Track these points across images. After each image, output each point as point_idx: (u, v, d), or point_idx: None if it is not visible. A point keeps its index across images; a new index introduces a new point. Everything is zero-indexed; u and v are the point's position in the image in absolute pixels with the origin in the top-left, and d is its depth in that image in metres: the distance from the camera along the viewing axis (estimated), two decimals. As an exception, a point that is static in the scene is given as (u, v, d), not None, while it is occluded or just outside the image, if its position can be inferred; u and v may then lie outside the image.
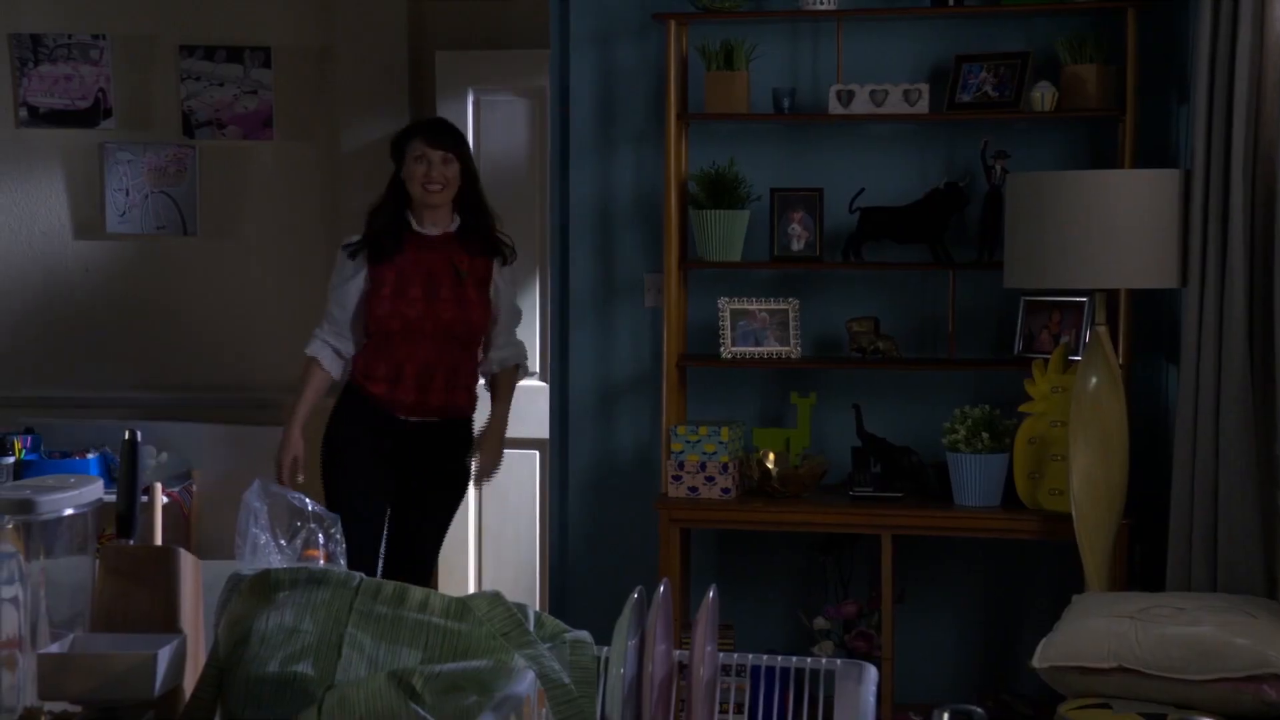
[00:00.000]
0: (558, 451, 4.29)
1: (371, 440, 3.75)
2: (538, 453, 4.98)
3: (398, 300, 3.71)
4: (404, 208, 3.77)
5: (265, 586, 1.47)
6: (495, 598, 1.49)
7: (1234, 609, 3.08)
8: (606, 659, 1.41)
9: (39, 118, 5.26)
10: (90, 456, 4.89)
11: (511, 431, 5.12)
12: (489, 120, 5.02)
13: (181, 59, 5.21)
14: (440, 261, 3.73)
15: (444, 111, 5.03)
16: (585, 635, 1.53)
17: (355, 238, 3.83)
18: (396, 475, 3.78)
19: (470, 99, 5.01)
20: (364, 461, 3.75)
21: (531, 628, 1.46)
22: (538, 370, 5.00)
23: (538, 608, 1.71)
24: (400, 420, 3.75)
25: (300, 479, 3.74)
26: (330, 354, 3.82)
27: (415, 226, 3.77)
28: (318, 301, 5.24)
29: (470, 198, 3.78)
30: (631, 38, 4.11)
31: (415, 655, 1.42)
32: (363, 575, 1.48)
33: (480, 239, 3.78)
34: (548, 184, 4.38)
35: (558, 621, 1.54)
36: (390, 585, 1.47)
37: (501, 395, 3.88)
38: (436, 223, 3.77)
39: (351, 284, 3.79)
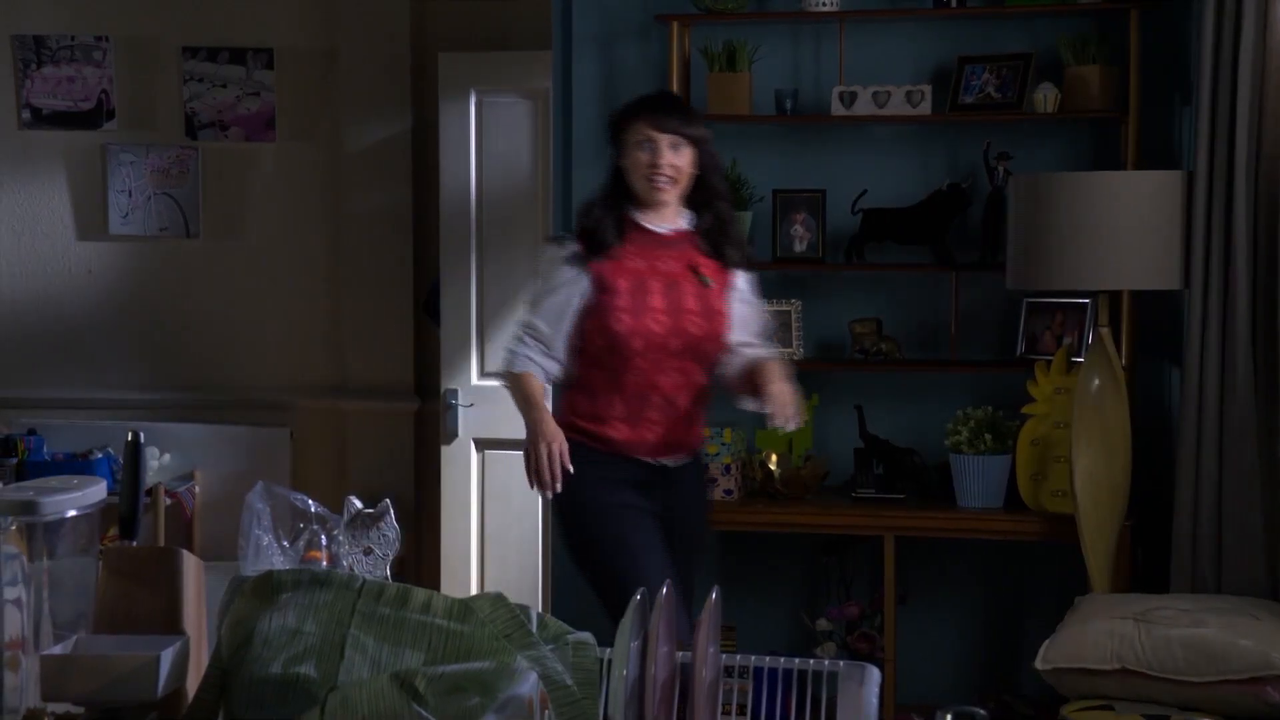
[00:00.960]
0: (560, 453, 4.28)
1: (622, 491, 3.04)
2: (540, 454, 4.98)
3: (638, 312, 3.02)
4: (626, 202, 3.10)
5: (268, 588, 1.47)
6: (498, 599, 1.49)
7: (1237, 610, 3.08)
8: (609, 660, 1.41)
9: (42, 119, 5.27)
10: (93, 458, 4.90)
11: (513, 433, 5.14)
12: (491, 121, 5.02)
13: (184, 60, 5.22)
14: (679, 265, 3.09)
15: (446, 113, 5.03)
16: (588, 637, 1.53)
17: (565, 234, 3.22)
18: (659, 517, 3.10)
19: (473, 100, 5.01)
20: (621, 494, 3.05)
21: (534, 629, 1.46)
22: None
23: (540, 609, 1.71)
24: (645, 464, 3.08)
25: (569, 467, 2.97)
26: (541, 374, 3.10)
27: (643, 222, 3.09)
28: (320, 303, 5.28)
29: (707, 189, 3.12)
30: (634, 39, 4.11)
31: (418, 657, 1.42)
32: (365, 577, 1.48)
33: (718, 238, 3.13)
34: (550, 185, 4.38)
35: (560, 623, 1.54)
36: (393, 587, 1.47)
37: (769, 364, 3.09)
38: (666, 219, 3.11)
39: (567, 291, 3.06)
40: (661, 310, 3.03)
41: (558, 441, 2.94)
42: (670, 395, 3.05)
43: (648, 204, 3.07)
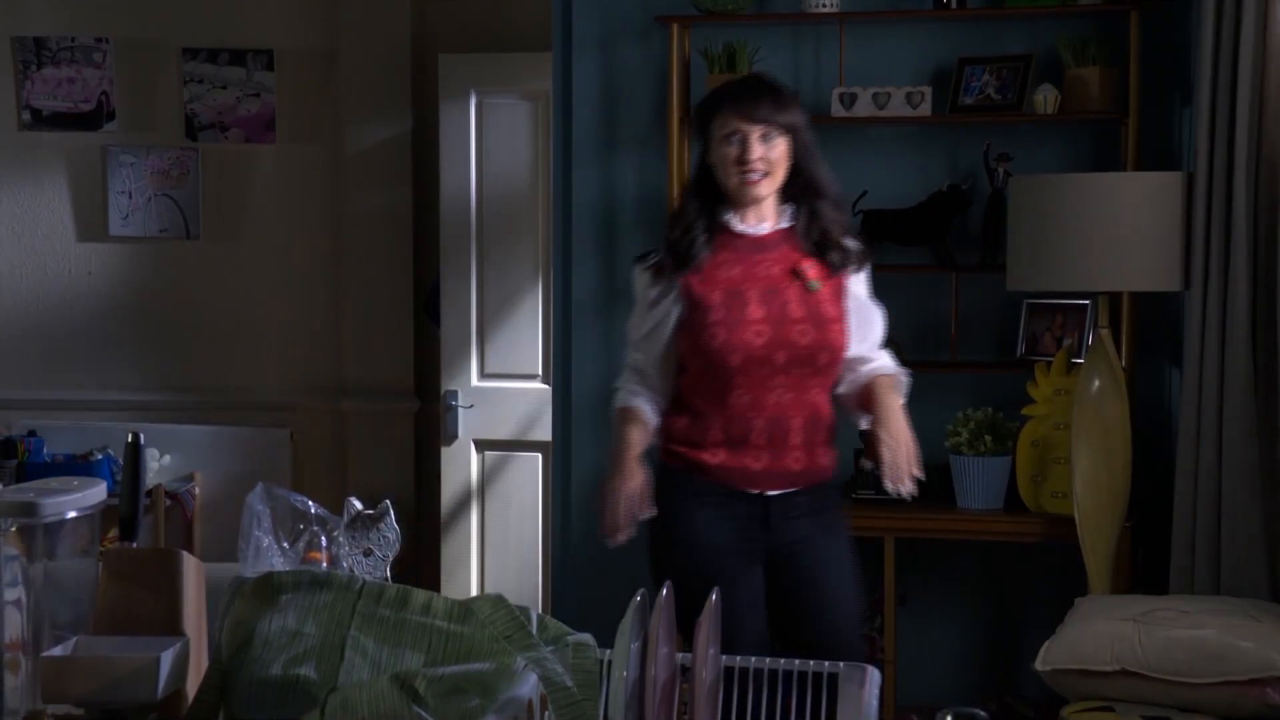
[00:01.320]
0: (560, 454, 4.29)
1: (718, 526, 2.72)
2: (540, 455, 4.98)
3: (734, 324, 2.70)
4: (716, 204, 2.79)
5: (268, 589, 1.47)
6: (498, 600, 1.49)
7: (1237, 612, 3.07)
8: (609, 662, 1.41)
9: (42, 120, 5.27)
10: (93, 459, 4.90)
11: (512, 435, 5.16)
12: (491, 123, 5.02)
13: (184, 61, 5.22)
14: (779, 269, 2.76)
15: (446, 114, 5.03)
16: (588, 638, 1.53)
17: (651, 250, 2.84)
18: (763, 561, 2.78)
19: (473, 101, 5.02)
20: (716, 531, 2.72)
21: (534, 630, 1.46)
22: (540, 373, 5.01)
23: (540, 610, 1.71)
24: (748, 496, 2.74)
25: (646, 512, 2.65)
26: (644, 407, 2.81)
27: (736, 224, 2.78)
28: (320, 304, 5.28)
29: (805, 181, 2.79)
30: (634, 40, 4.11)
31: (418, 658, 1.42)
32: (365, 578, 1.48)
33: (820, 236, 2.79)
34: (550, 186, 4.38)
35: (560, 624, 1.54)
36: (393, 588, 1.47)
37: (887, 387, 2.79)
38: (762, 218, 2.79)
39: (656, 314, 2.77)
40: (761, 320, 2.70)
41: (631, 483, 2.59)
42: (778, 417, 2.70)
43: (740, 203, 2.75)
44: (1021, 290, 3.72)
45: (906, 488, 2.57)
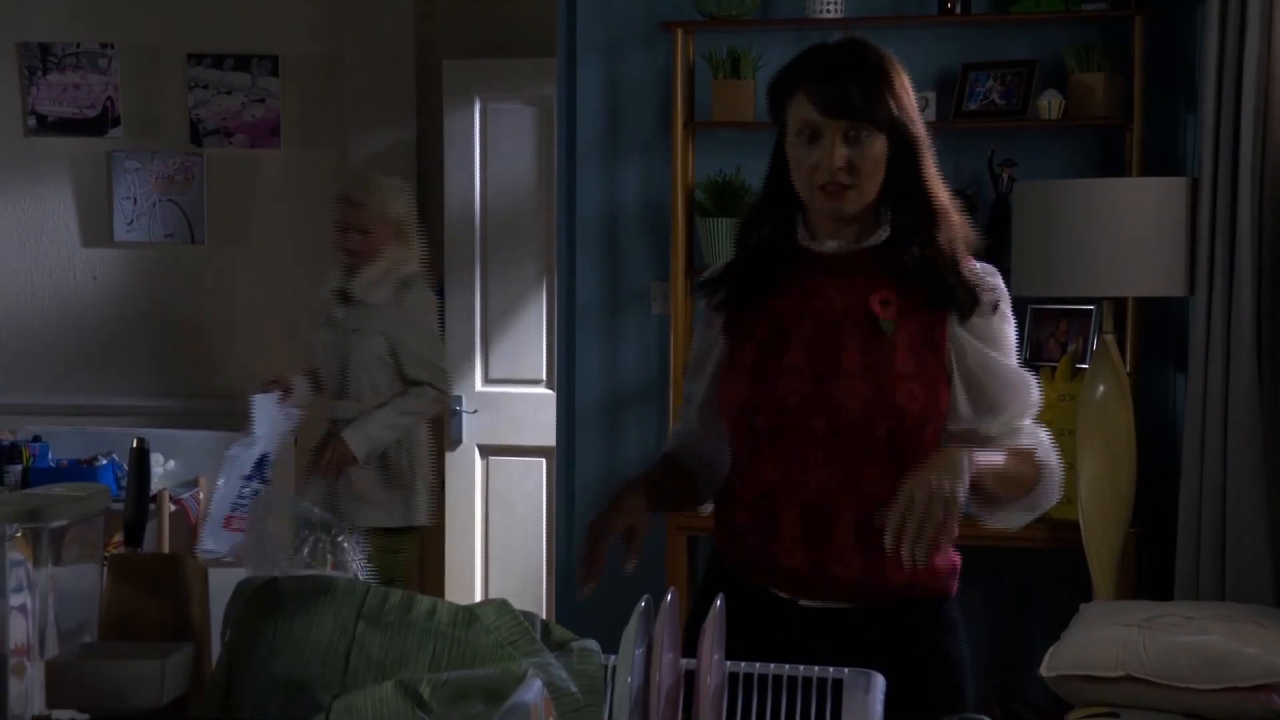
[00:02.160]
0: (564, 459, 4.29)
1: (736, 633, 1.67)
2: (544, 461, 4.99)
3: (764, 375, 1.98)
4: (794, 209, 2.04)
5: (273, 595, 1.47)
6: (502, 606, 1.49)
7: (1242, 618, 3.07)
8: (614, 667, 1.41)
9: (47, 126, 5.28)
10: (98, 464, 4.90)
11: (516, 440, 5.16)
12: (496, 128, 5.03)
13: (189, 67, 5.23)
14: (846, 301, 1.99)
15: (451, 120, 5.04)
16: (592, 644, 1.53)
17: (718, 267, 2.12)
18: None
19: (477, 107, 5.02)
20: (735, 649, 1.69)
21: (538, 636, 1.46)
22: (544, 378, 5.01)
23: (544, 616, 1.71)
24: (778, 602, 1.99)
25: (628, 564, 1.96)
26: (675, 444, 2.18)
27: (805, 241, 2.03)
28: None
29: (904, 186, 2.00)
30: (638, 46, 4.12)
31: (423, 664, 1.42)
32: (370, 583, 1.48)
33: (918, 261, 1.98)
34: (555, 192, 4.38)
35: (565, 630, 1.54)
36: (397, 594, 1.47)
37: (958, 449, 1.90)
38: (843, 234, 2.01)
39: (700, 345, 2.13)
40: (801, 370, 1.96)
41: (601, 525, 1.95)
42: (819, 504, 1.95)
43: (819, 214, 2.01)
44: (1026, 296, 3.71)
45: (906, 555, 1.77)
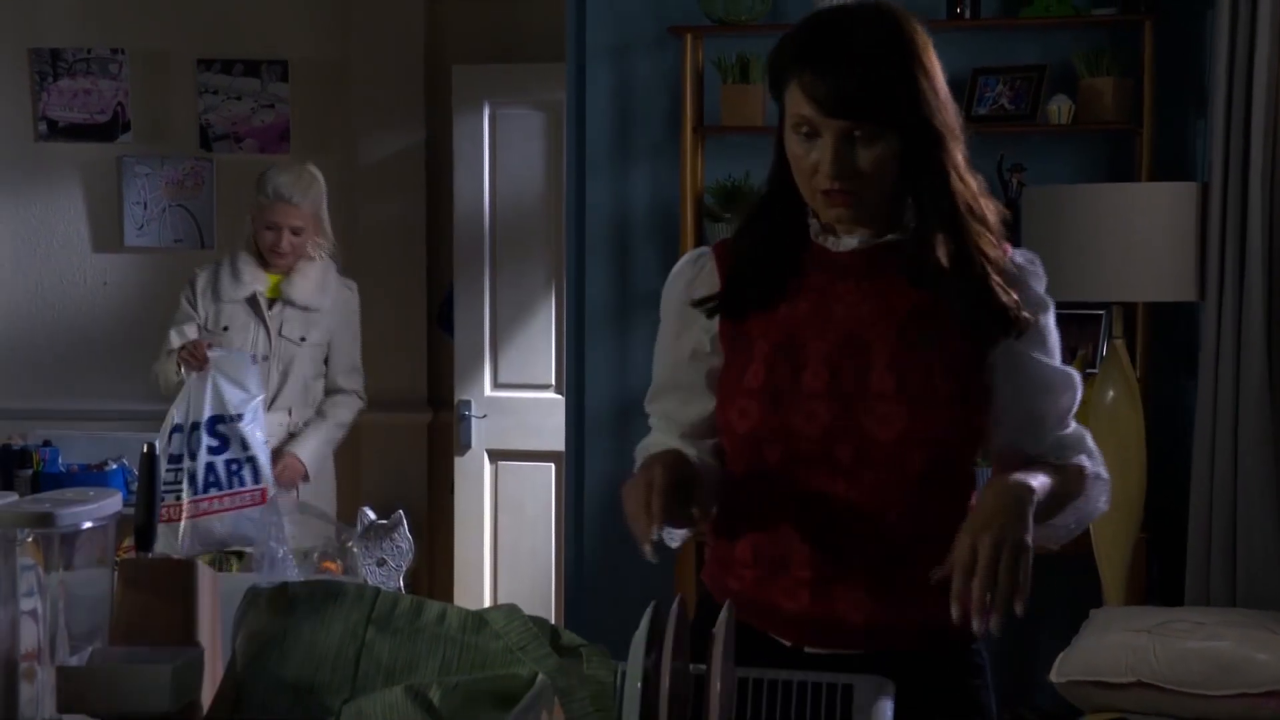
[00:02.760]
0: (573, 464, 4.29)
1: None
2: (553, 465, 4.99)
3: (777, 398, 1.71)
4: (800, 204, 1.74)
5: (283, 600, 1.47)
6: (512, 611, 1.49)
7: (1253, 624, 3.06)
8: (623, 673, 1.41)
9: (58, 131, 5.29)
10: (108, 469, 4.91)
11: (525, 445, 5.16)
12: (505, 133, 5.03)
13: (199, 73, 5.24)
14: (871, 310, 1.71)
15: (460, 125, 5.04)
16: (602, 649, 1.53)
17: (705, 250, 1.84)
18: None
19: (486, 112, 5.03)
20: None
21: (548, 642, 1.46)
22: (553, 383, 5.01)
23: (554, 621, 1.71)
24: (780, 648, 1.76)
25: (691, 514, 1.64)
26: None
27: (820, 238, 1.75)
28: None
29: (928, 190, 1.71)
30: (647, 51, 4.12)
31: (432, 669, 1.42)
32: (379, 588, 1.48)
33: (943, 263, 1.70)
34: (564, 197, 4.39)
35: (574, 635, 1.54)
36: (407, 599, 1.47)
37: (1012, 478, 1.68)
38: (861, 229, 1.74)
39: (677, 357, 1.84)
40: (821, 393, 1.69)
41: (650, 474, 1.60)
42: (836, 539, 1.71)
43: (820, 215, 1.74)
44: (1035, 301, 3.71)
45: (978, 625, 1.56)
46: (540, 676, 1.40)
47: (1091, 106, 3.74)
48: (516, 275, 5.03)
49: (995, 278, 1.70)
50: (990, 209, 1.75)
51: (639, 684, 1.34)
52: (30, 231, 5.33)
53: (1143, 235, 3.43)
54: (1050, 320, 1.78)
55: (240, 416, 3.60)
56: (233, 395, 3.62)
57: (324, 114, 5.24)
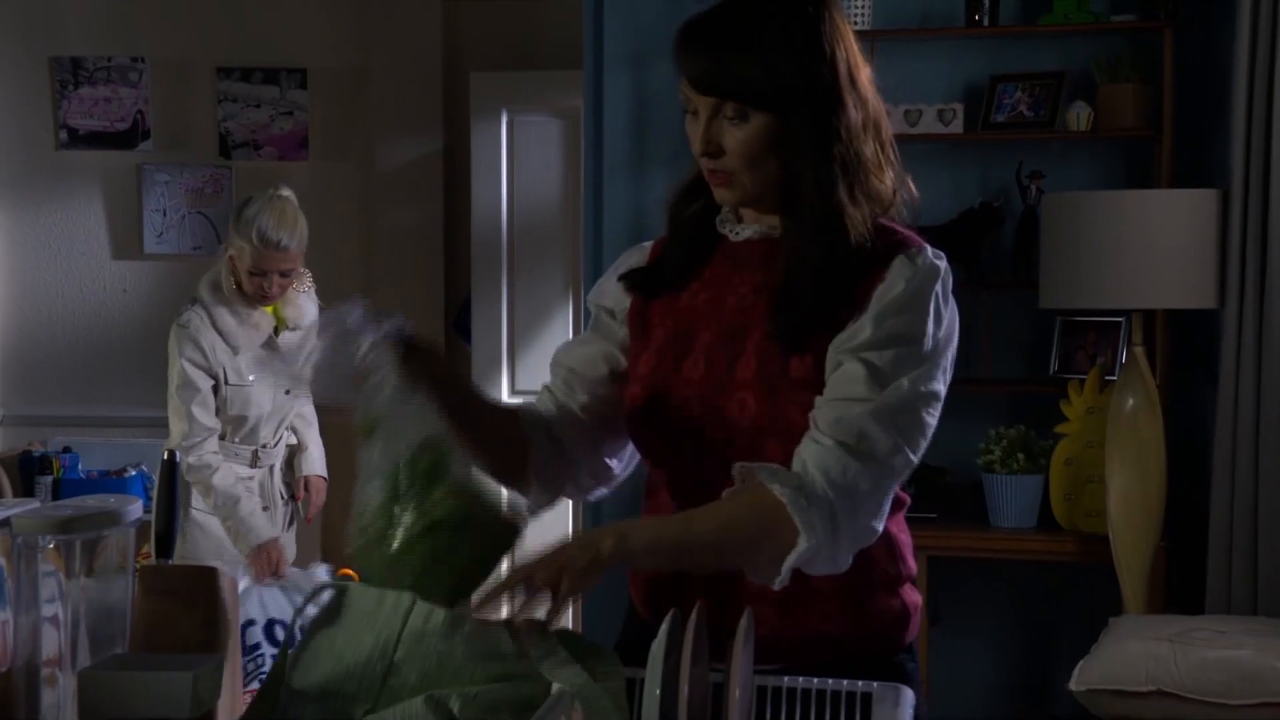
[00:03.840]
0: (591, 471, 4.28)
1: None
2: (571, 472, 4.99)
3: (662, 384, 1.69)
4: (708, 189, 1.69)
5: (335, 605, 1.47)
6: (534, 620, 1.49)
7: (1274, 632, 3.04)
8: (642, 681, 1.41)
9: (79, 139, 5.32)
10: (127, 475, 4.93)
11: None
12: (523, 140, 5.04)
13: (218, 81, 5.26)
14: (757, 296, 1.67)
15: (477, 132, 5.05)
16: (613, 655, 1.52)
17: (646, 244, 1.83)
18: None
19: (504, 119, 5.04)
20: None
21: (568, 651, 1.46)
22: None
23: (570, 626, 1.71)
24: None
25: None
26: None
27: (722, 227, 1.73)
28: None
29: (797, 180, 1.63)
30: (665, 58, 4.09)
31: (456, 678, 1.41)
32: (415, 597, 1.47)
33: (802, 254, 1.64)
34: (581, 203, 4.39)
35: (594, 643, 1.53)
36: (441, 612, 1.46)
37: None
38: (764, 218, 1.70)
39: (596, 331, 1.82)
40: (698, 381, 1.66)
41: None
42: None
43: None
44: (1055, 308, 3.70)
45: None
46: (560, 685, 1.40)
47: (1111, 113, 3.73)
48: (534, 281, 5.04)
49: (836, 279, 1.62)
50: (880, 198, 1.70)
51: (658, 690, 1.34)
52: (51, 238, 5.36)
53: (1162, 242, 3.42)
54: (885, 324, 1.61)
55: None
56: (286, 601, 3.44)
57: (342, 121, 5.25)
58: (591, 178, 4.24)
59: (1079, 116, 3.74)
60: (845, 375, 1.59)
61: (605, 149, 4.19)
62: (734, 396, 1.63)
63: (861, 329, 1.60)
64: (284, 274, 3.61)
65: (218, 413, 3.61)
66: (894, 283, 1.64)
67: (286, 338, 3.70)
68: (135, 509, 1.53)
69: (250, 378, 3.65)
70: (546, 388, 1.81)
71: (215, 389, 3.61)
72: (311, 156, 5.25)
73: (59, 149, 5.32)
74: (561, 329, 5.04)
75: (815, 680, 1.56)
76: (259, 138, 5.28)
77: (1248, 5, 3.44)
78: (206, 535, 3.62)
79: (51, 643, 1.42)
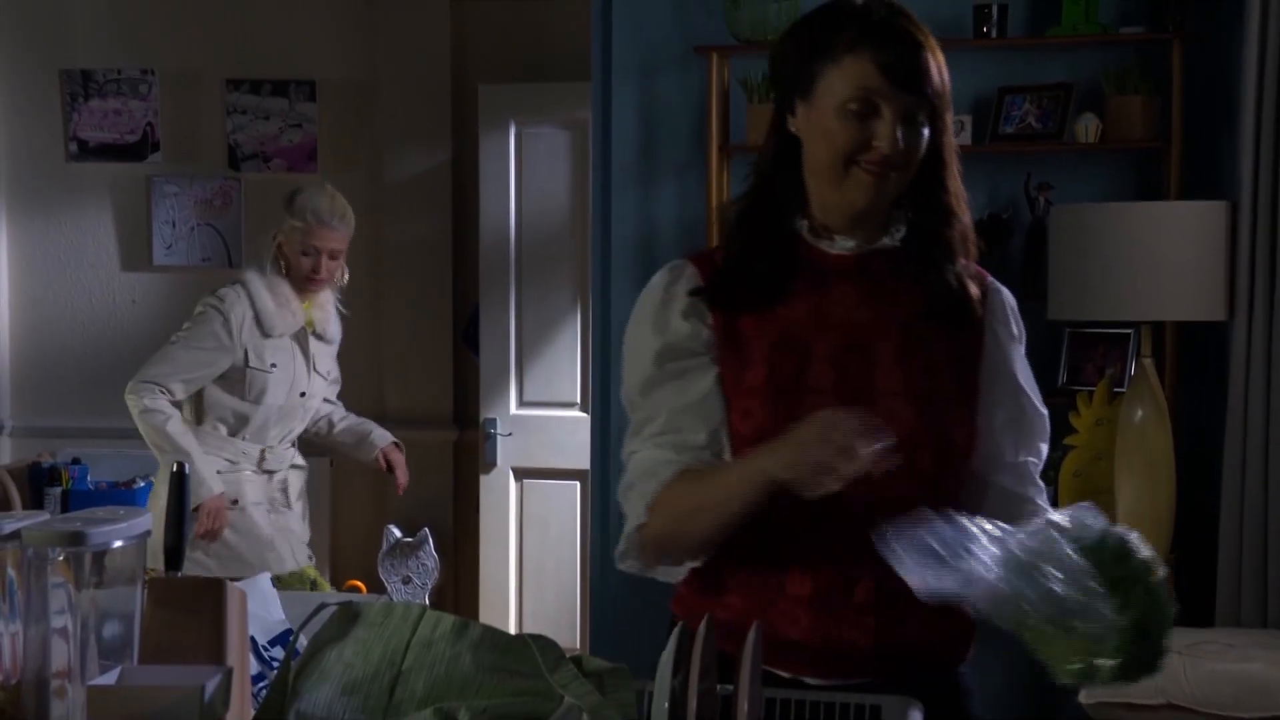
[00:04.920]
0: (598, 482, 4.29)
1: None
2: (578, 483, 4.99)
3: (787, 398, 1.64)
4: (795, 202, 1.70)
5: (345, 619, 1.47)
6: (544, 638, 1.49)
7: (1285, 646, 3.04)
8: (650, 694, 1.41)
9: (88, 152, 5.34)
10: (136, 486, 4.94)
11: (550, 463, 5.16)
12: (531, 152, 5.05)
13: (227, 93, 5.28)
14: (870, 311, 1.69)
15: (486, 144, 5.06)
16: (626, 669, 1.52)
17: (681, 261, 1.75)
18: None
19: (512, 131, 5.05)
20: None
21: (577, 667, 1.46)
22: (578, 401, 5.02)
23: (578, 639, 1.71)
24: (780, 680, 1.64)
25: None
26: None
27: (811, 237, 1.71)
28: (359, 332, 5.30)
29: (934, 183, 1.71)
30: (673, 70, 4.13)
31: (466, 691, 1.41)
32: (425, 607, 1.47)
33: (942, 265, 1.72)
34: (589, 215, 4.40)
35: (597, 659, 1.53)
36: (450, 619, 1.46)
37: None
38: (857, 230, 1.70)
39: (677, 345, 1.72)
40: (827, 389, 1.63)
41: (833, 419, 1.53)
42: (841, 551, 1.62)
43: (827, 205, 1.68)
44: (1063, 319, 3.69)
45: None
46: (567, 698, 1.40)
47: (1119, 125, 3.73)
48: (542, 293, 5.04)
49: (972, 289, 1.74)
50: (970, 222, 1.77)
51: (666, 704, 1.33)
52: (60, 250, 5.37)
53: (1172, 254, 3.41)
54: (1023, 355, 1.78)
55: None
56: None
57: (351, 133, 5.27)
58: (600, 189, 4.25)
59: (1087, 128, 3.73)
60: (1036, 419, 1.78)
61: (613, 160, 4.19)
62: (880, 405, 1.61)
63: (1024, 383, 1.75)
64: (333, 256, 3.71)
65: (238, 396, 3.65)
66: (1013, 328, 1.78)
67: (314, 344, 3.75)
68: (145, 521, 1.54)
69: (272, 364, 3.66)
70: (671, 447, 1.68)
71: (234, 371, 3.65)
72: (320, 168, 5.26)
73: (69, 161, 5.33)
74: (570, 340, 5.04)
75: (824, 695, 1.56)
76: (268, 150, 5.29)
77: (1256, 17, 3.44)
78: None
79: (61, 655, 1.42)
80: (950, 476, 1.65)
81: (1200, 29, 3.72)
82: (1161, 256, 3.41)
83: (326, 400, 3.98)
